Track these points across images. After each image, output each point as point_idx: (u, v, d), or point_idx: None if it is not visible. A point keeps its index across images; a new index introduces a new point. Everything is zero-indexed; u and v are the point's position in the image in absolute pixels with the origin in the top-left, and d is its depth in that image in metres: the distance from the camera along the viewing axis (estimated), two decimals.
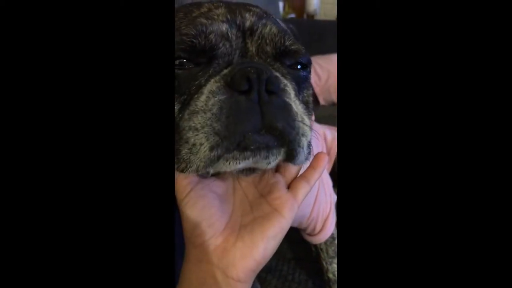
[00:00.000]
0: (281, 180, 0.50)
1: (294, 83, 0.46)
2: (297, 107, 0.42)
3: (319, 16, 3.52)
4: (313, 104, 0.54)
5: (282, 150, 0.41)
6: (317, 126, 0.97)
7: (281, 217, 0.46)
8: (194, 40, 0.41)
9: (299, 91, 0.48)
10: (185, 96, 0.42)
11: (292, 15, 3.47)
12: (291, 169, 0.50)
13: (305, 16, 3.48)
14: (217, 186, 0.49)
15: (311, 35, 2.08)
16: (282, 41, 0.45)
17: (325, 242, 0.77)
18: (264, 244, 0.45)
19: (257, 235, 0.45)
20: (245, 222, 0.47)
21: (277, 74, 0.43)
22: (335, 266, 0.78)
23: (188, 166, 0.39)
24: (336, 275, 0.77)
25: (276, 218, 0.46)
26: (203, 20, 0.43)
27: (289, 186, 0.50)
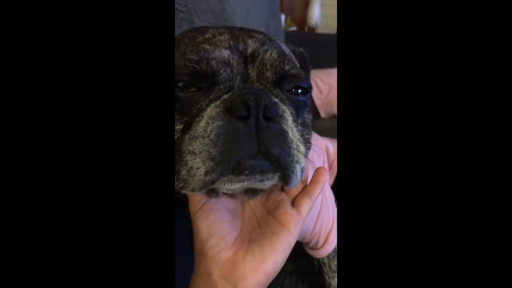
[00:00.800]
0: (285, 198, 0.52)
1: (292, 108, 0.47)
2: (294, 134, 0.44)
3: (320, 29, 3.56)
4: (313, 117, 0.55)
5: (276, 175, 0.42)
6: (319, 139, 0.97)
7: (288, 232, 0.48)
8: (196, 66, 0.43)
9: (297, 116, 0.49)
10: (187, 118, 0.43)
11: (294, 28, 3.51)
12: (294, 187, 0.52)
13: (306, 29, 3.52)
14: (228, 202, 0.52)
15: (312, 49, 2.10)
16: (282, 66, 0.46)
17: (328, 256, 0.76)
18: (273, 257, 0.46)
19: (266, 249, 0.47)
20: (254, 237, 0.49)
21: (276, 100, 0.44)
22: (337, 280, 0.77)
23: (185, 186, 0.41)
24: None
25: (284, 233, 0.48)
26: (206, 46, 0.44)
27: (293, 203, 0.52)
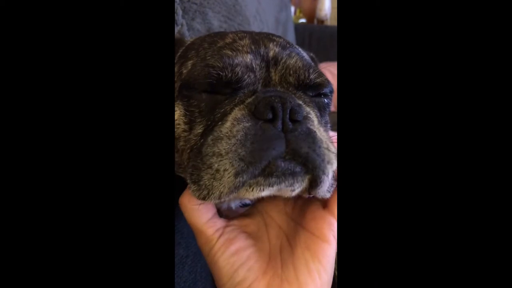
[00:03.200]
0: (314, 200, 0.45)
1: (316, 110, 0.46)
2: (321, 134, 0.41)
3: (330, 22, 3.53)
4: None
5: (307, 178, 0.39)
6: (331, 133, 0.98)
7: (323, 242, 0.41)
8: (221, 73, 0.42)
9: (321, 117, 0.47)
10: (209, 122, 0.42)
11: (303, 20, 3.49)
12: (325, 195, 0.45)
13: (315, 21, 3.50)
14: (247, 224, 0.46)
15: (321, 41, 2.09)
16: (307, 75, 0.45)
17: None
18: (313, 281, 0.39)
19: (302, 271, 0.39)
20: (285, 258, 0.42)
21: (300, 102, 0.42)
22: None
23: (210, 193, 0.38)
24: None
25: (318, 245, 0.41)
26: (229, 52, 0.43)
27: (324, 205, 0.45)
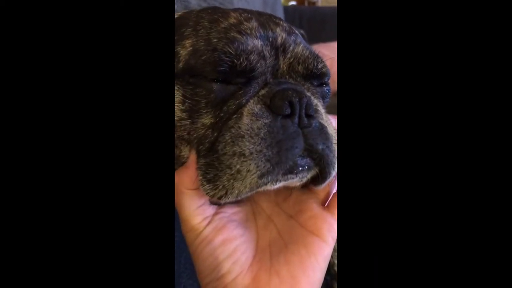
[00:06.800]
0: (311, 196, 0.44)
1: (321, 100, 0.46)
2: (330, 128, 0.42)
3: (321, 3, 3.47)
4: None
5: (314, 170, 0.40)
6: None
7: (322, 241, 0.40)
8: (236, 61, 0.39)
9: (324, 106, 0.48)
10: (222, 114, 0.39)
11: (293, 2, 3.42)
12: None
13: (306, 3, 3.44)
14: (235, 212, 0.43)
15: (313, 23, 2.04)
16: (315, 64, 0.45)
17: None
18: (307, 278, 0.38)
19: (296, 267, 0.38)
20: (276, 251, 0.40)
21: (309, 94, 0.42)
22: None
23: (228, 193, 0.37)
24: None
25: (316, 243, 0.40)
26: (238, 36, 0.40)
27: (323, 203, 0.44)
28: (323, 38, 2.01)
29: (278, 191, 0.46)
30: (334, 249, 0.76)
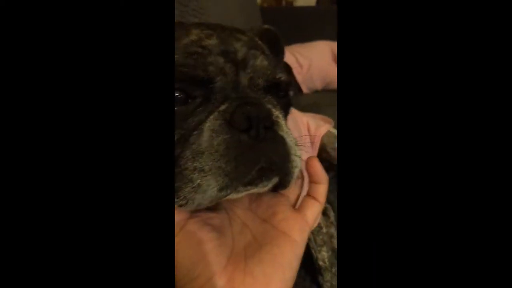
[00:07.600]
0: (283, 200, 0.47)
1: (283, 111, 0.48)
2: (289, 138, 0.43)
3: (298, 3, 3.50)
4: (295, 93, 0.55)
5: (277, 178, 0.42)
6: (299, 115, 0.97)
7: (292, 241, 0.42)
8: (194, 71, 0.40)
9: (285, 116, 0.49)
10: (183, 131, 0.41)
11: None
12: (293, 187, 0.48)
13: (283, 2, 3.46)
14: (211, 217, 0.44)
15: (290, 23, 2.06)
16: (274, 75, 0.46)
17: (312, 232, 0.77)
18: (279, 275, 0.39)
19: (268, 265, 0.39)
20: (250, 254, 0.41)
21: (269, 106, 0.43)
22: (324, 254, 0.79)
23: (188, 203, 0.38)
24: (326, 262, 0.78)
25: (287, 242, 0.41)
26: (199, 49, 0.42)
27: (294, 206, 0.47)
28: (301, 39, 2.04)
29: (251, 197, 0.48)
30: (317, 243, 0.79)
